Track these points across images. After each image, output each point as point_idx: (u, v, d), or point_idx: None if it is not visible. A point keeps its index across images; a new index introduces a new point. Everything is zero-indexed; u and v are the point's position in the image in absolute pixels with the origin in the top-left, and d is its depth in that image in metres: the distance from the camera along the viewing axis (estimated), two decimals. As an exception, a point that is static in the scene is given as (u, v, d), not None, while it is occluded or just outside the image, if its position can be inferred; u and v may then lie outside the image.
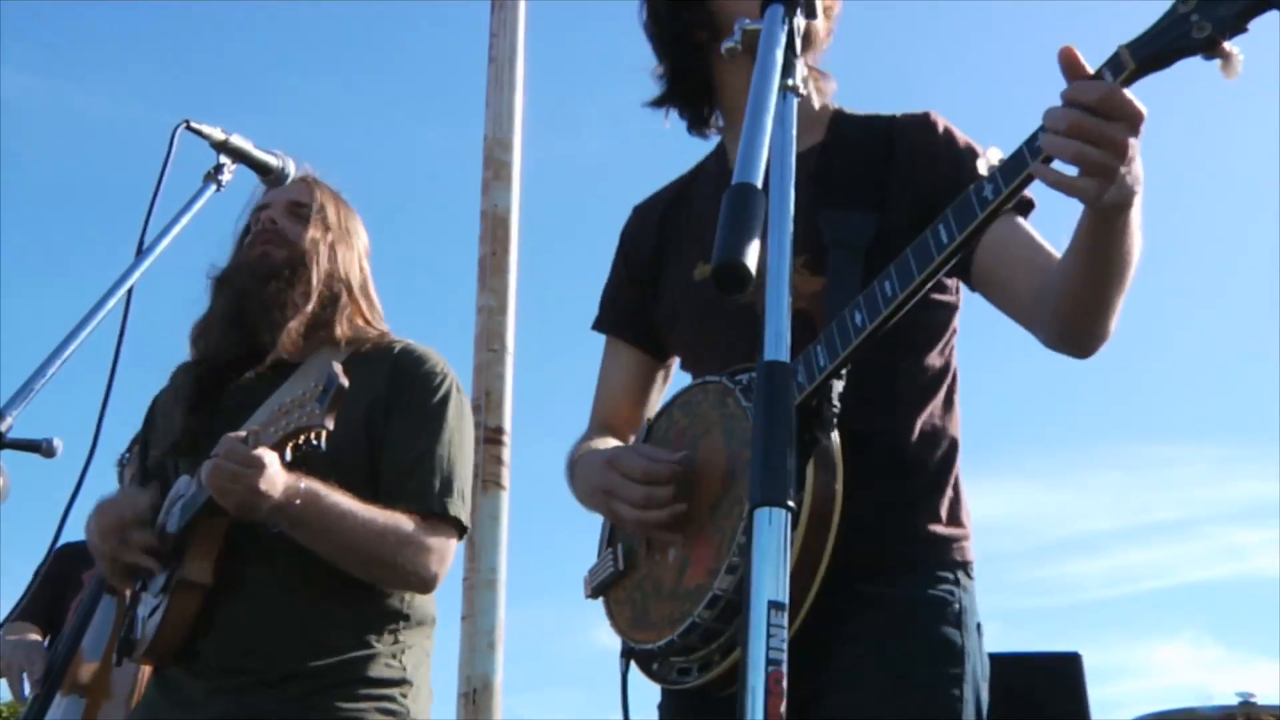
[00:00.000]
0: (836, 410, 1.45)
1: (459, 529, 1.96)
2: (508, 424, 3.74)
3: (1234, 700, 3.09)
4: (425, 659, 2.01)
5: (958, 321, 1.69)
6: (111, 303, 1.59)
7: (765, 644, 0.86)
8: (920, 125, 1.67)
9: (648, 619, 1.56)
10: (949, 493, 1.61)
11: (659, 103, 1.81)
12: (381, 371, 2.01)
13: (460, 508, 1.95)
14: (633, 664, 1.63)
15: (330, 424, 1.65)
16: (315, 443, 1.67)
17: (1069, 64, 1.23)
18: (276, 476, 1.71)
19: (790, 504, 0.88)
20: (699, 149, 1.89)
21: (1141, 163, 1.26)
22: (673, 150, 1.90)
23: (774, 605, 0.86)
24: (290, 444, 1.69)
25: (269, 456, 1.70)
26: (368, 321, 2.08)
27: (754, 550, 0.88)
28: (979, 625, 1.55)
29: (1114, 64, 1.21)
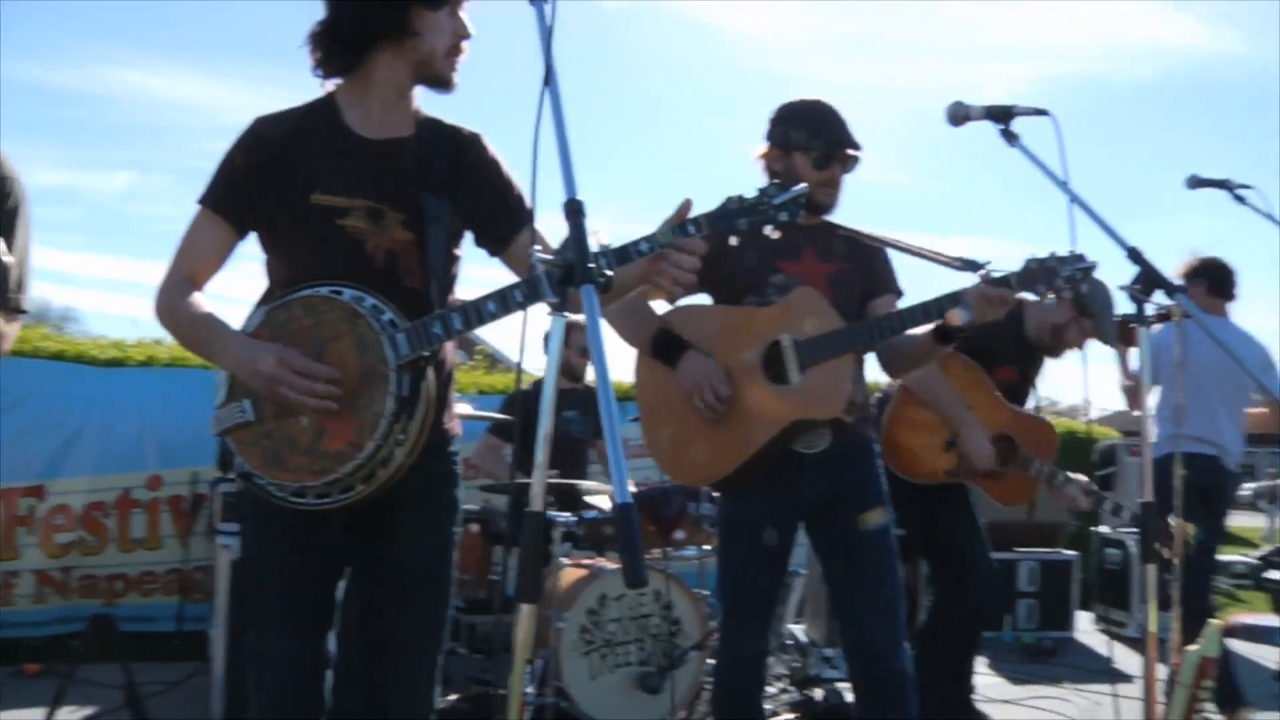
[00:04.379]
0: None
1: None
2: None
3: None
4: None
5: None
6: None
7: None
8: (480, 144, 2.37)
9: (284, 463, 2.16)
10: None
11: (317, 43, 2.24)
12: None
13: (28, 302, 2.40)
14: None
15: None
16: None
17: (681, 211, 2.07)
18: None
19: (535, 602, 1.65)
20: None
21: None
22: None
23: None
24: None
25: None
26: None
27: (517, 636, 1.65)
28: None
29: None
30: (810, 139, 3.01)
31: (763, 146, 3.11)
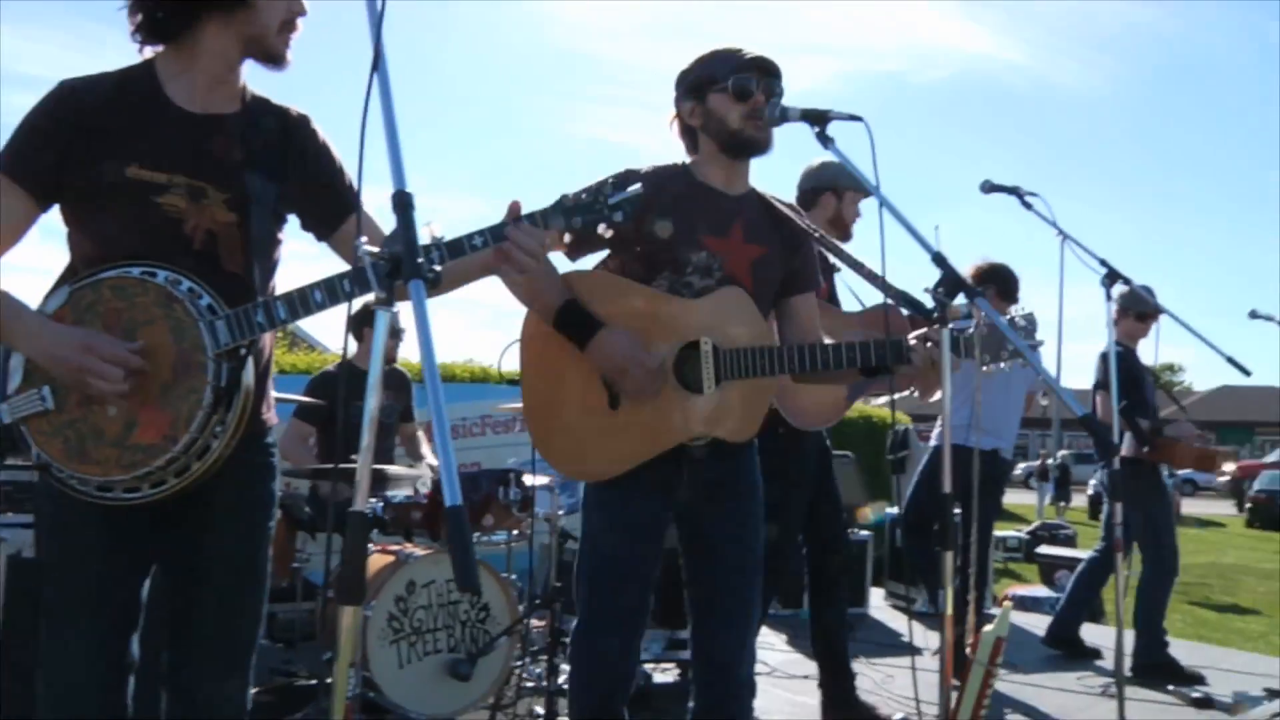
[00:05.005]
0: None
1: None
2: None
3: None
4: None
5: None
6: None
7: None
8: (310, 126, 2.29)
9: (88, 455, 2.04)
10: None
11: (139, 6, 2.14)
12: None
13: None
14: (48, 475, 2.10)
15: None
16: None
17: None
18: None
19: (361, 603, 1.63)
20: None
21: None
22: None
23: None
24: None
25: None
26: None
27: (342, 635, 1.61)
28: None
29: None
30: (721, 71, 2.72)
31: (672, 112, 2.85)
